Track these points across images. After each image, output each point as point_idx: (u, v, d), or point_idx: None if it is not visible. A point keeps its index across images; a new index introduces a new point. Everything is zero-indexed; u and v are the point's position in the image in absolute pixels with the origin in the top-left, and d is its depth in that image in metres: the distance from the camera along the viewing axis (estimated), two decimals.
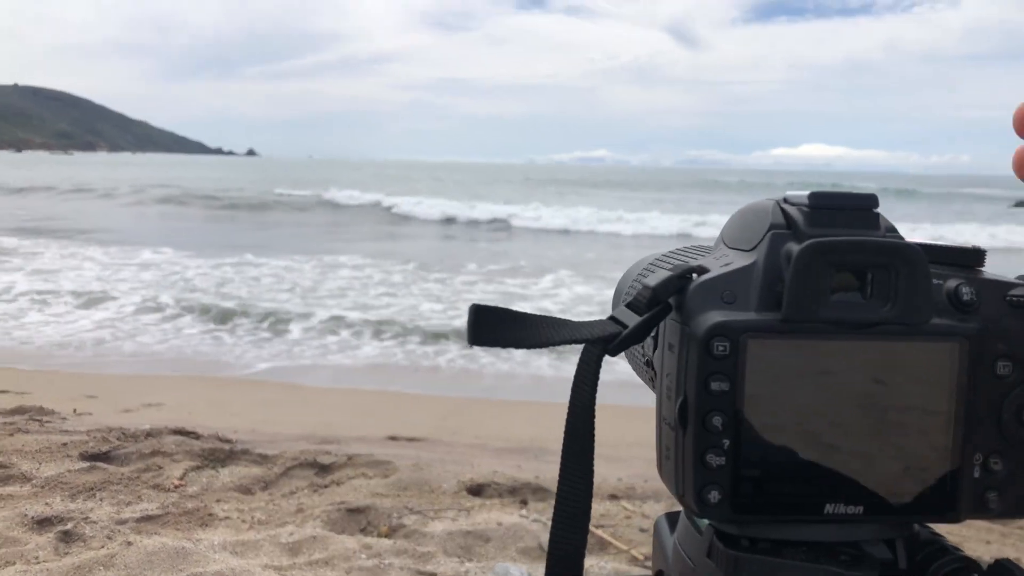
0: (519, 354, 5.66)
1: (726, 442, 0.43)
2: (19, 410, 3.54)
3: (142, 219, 19.45)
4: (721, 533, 0.47)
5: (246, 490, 2.74)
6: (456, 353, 6.00)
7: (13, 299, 7.67)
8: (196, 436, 3.14)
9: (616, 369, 0.50)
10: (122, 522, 2.30)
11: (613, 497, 2.76)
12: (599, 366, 0.47)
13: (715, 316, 0.43)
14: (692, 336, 0.43)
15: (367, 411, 4.41)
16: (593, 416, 0.47)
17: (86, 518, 2.28)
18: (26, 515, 2.27)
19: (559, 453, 0.49)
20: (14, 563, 2.00)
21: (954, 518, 0.45)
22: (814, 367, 0.43)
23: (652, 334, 0.50)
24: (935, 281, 0.44)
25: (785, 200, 0.47)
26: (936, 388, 0.44)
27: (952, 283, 0.45)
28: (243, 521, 2.43)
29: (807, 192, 0.46)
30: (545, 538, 2.33)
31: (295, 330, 6.68)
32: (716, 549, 0.46)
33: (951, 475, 0.44)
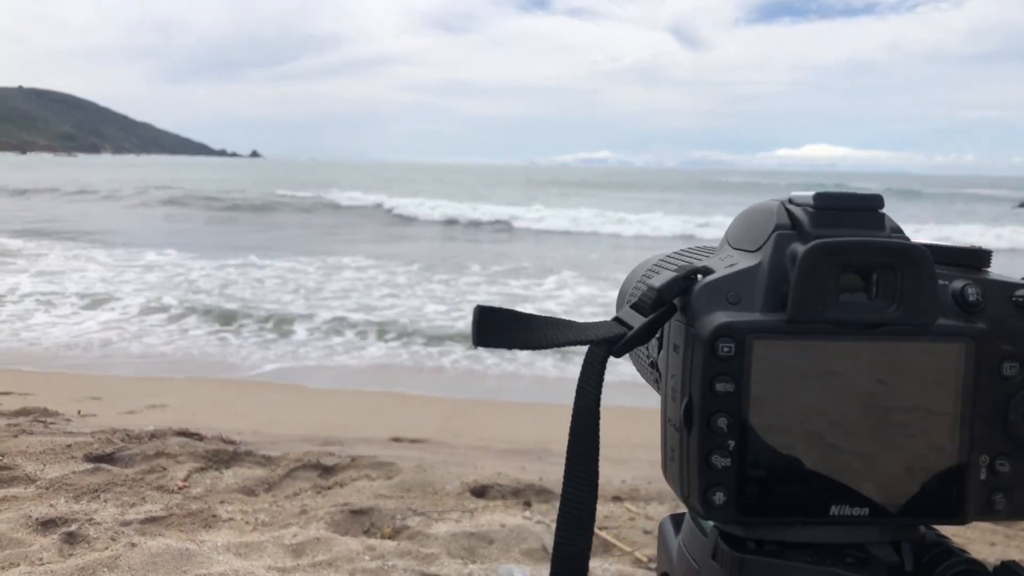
0: (523, 355, 5.66)
1: (731, 443, 0.43)
2: (23, 412, 3.55)
3: (145, 221, 19.48)
4: (726, 535, 0.46)
5: (250, 491, 2.74)
6: (460, 354, 6.01)
7: (19, 300, 7.69)
8: (200, 437, 3.14)
9: (619, 370, 0.50)
10: (126, 523, 2.30)
11: (617, 499, 2.76)
12: (604, 367, 0.47)
13: (720, 317, 0.43)
14: (697, 337, 0.43)
15: (371, 412, 4.41)
16: (598, 418, 0.47)
17: (90, 519, 2.28)
18: (30, 516, 2.28)
19: (563, 455, 0.49)
20: (18, 564, 2.00)
21: (960, 520, 0.45)
22: (820, 368, 0.43)
23: (657, 335, 0.49)
24: (941, 282, 0.44)
25: (790, 201, 0.46)
26: (942, 389, 0.43)
27: (958, 284, 0.45)
28: (247, 523, 2.43)
29: (812, 193, 0.45)
30: (549, 540, 2.33)
31: (300, 331, 6.69)
32: (721, 551, 0.46)
33: (957, 477, 0.44)
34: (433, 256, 12.62)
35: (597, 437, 0.47)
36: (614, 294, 0.71)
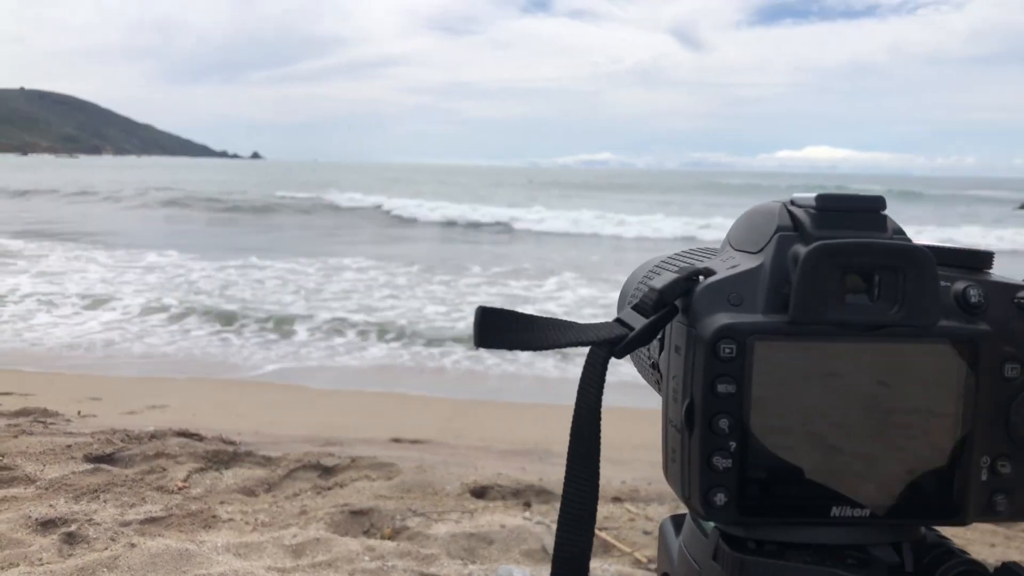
0: (524, 356, 5.66)
1: (732, 444, 0.43)
2: (23, 412, 3.55)
3: (146, 222, 19.49)
4: (727, 536, 0.46)
5: (250, 492, 2.74)
6: (461, 355, 6.01)
7: (20, 300, 7.69)
8: (200, 438, 3.14)
9: (619, 371, 0.50)
10: (126, 524, 2.30)
11: (617, 500, 2.76)
12: (605, 368, 0.47)
13: (722, 318, 0.43)
14: (699, 338, 0.43)
15: (371, 413, 4.41)
16: (599, 419, 0.47)
17: (90, 520, 2.28)
18: (30, 517, 2.28)
19: (563, 455, 0.49)
20: (18, 565, 2.00)
21: (961, 521, 0.45)
22: (821, 369, 0.43)
23: (658, 336, 0.49)
24: (943, 283, 0.44)
25: (792, 202, 0.46)
26: (943, 390, 0.43)
27: (960, 285, 0.45)
28: (247, 523, 2.43)
29: (814, 194, 0.45)
30: (548, 540, 2.33)
31: (301, 332, 6.69)
32: (722, 552, 0.46)
33: (958, 478, 0.44)
34: (433, 257, 12.62)
35: (598, 438, 0.47)
36: (615, 295, 0.71)
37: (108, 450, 2.93)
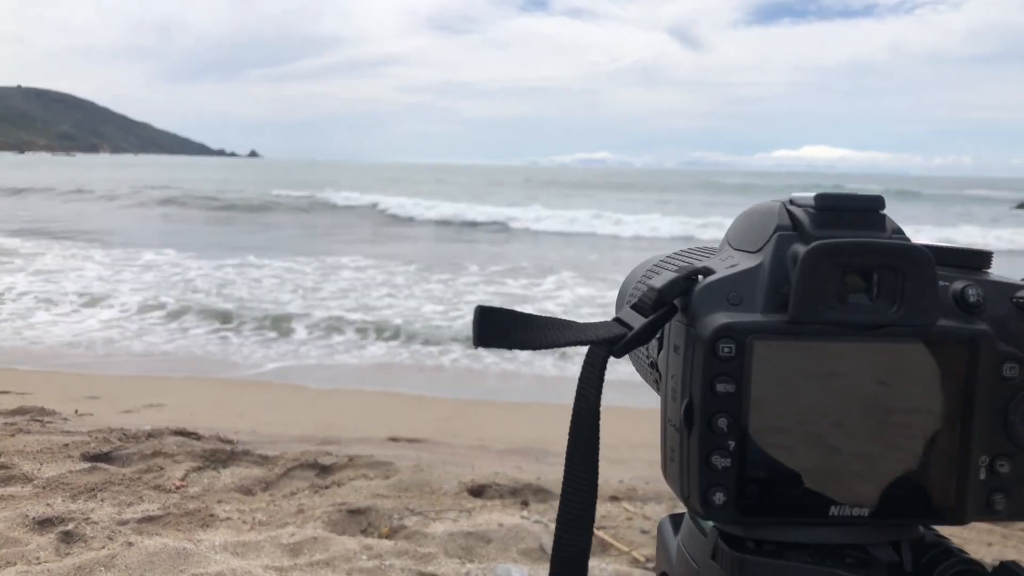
0: (523, 355, 5.67)
1: (731, 444, 0.43)
2: (20, 411, 3.54)
3: (143, 221, 19.47)
4: (726, 535, 0.46)
5: (247, 491, 2.74)
6: (460, 353, 6.01)
7: (16, 299, 7.68)
8: (197, 437, 3.14)
9: (618, 371, 0.50)
10: (123, 523, 2.30)
11: (614, 499, 2.76)
12: (604, 368, 0.47)
13: (721, 318, 0.43)
14: (698, 338, 0.43)
15: (368, 412, 4.40)
16: (598, 418, 0.47)
17: (87, 519, 2.28)
18: (27, 515, 2.27)
19: (561, 455, 0.49)
20: (15, 563, 2.00)
21: (960, 520, 0.45)
22: (820, 369, 0.43)
23: (657, 336, 0.49)
24: (942, 283, 0.44)
25: (791, 202, 0.46)
26: (942, 390, 0.43)
27: (959, 285, 0.45)
28: (244, 522, 2.43)
29: (813, 194, 0.46)
30: (546, 539, 2.33)
31: (299, 331, 6.69)
32: (721, 551, 0.46)
33: (957, 477, 0.44)
34: (431, 257, 12.62)
35: (597, 437, 0.47)
36: (613, 295, 0.71)
37: (105, 449, 2.93)
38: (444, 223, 20.21)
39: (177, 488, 2.68)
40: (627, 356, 0.51)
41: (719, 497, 0.43)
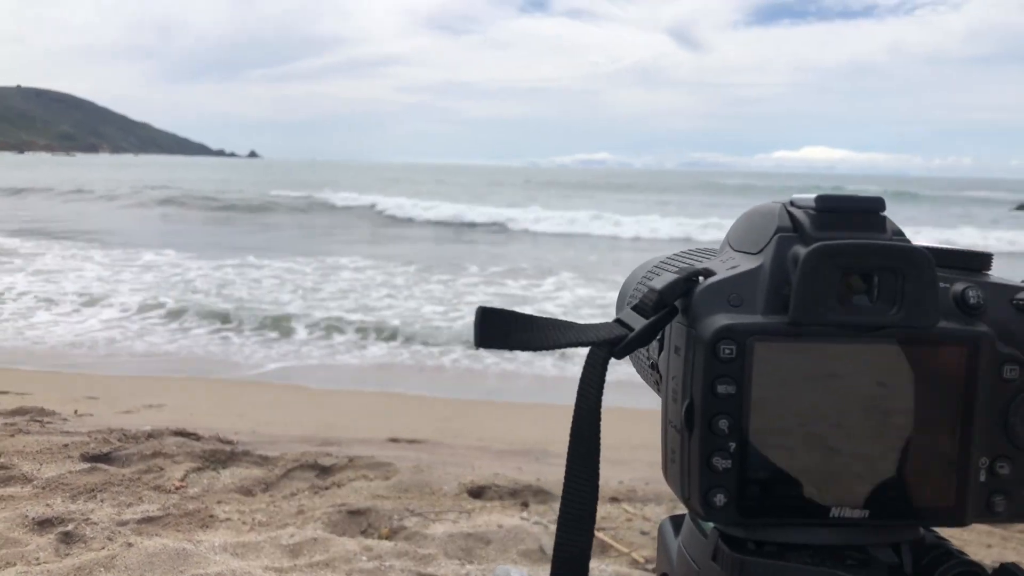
0: (523, 355, 5.67)
1: (732, 445, 0.43)
2: (20, 411, 3.54)
3: (142, 221, 19.47)
4: (726, 536, 0.47)
5: (247, 491, 2.73)
6: (460, 354, 6.01)
7: (16, 298, 7.68)
8: (197, 437, 3.13)
9: (616, 371, 0.50)
10: (123, 523, 2.30)
11: (614, 500, 2.76)
12: (605, 369, 0.47)
13: (722, 319, 0.43)
14: (699, 339, 0.43)
15: (368, 413, 4.40)
16: (599, 419, 0.47)
17: (87, 519, 2.28)
18: (27, 516, 2.27)
19: (560, 455, 0.49)
20: (15, 564, 2.00)
21: (960, 522, 0.45)
22: (821, 370, 0.43)
23: (658, 337, 0.50)
24: (942, 284, 0.44)
25: (792, 203, 0.47)
26: (943, 392, 0.43)
27: (959, 286, 0.45)
28: (244, 523, 2.43)
29: (813, 195, 0.46)
30: (546, 540, 2.33)
31: (299, 332, 6.69)
32: (721, 552, 0.46)
33: (957, 479, 0.44)
34: (431, 257, 12.62)
35: (598, 438, 0.47)
36: (613, 296, 0.71)
37: (105, 449, 2.93)
38: (443, 224, 20.21)
39: (177, 489, 2.68)
40: (627, 357, 0.52)
41: (720, 498, 0.43)
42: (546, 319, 0.49)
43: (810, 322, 0.42)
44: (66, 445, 2.92)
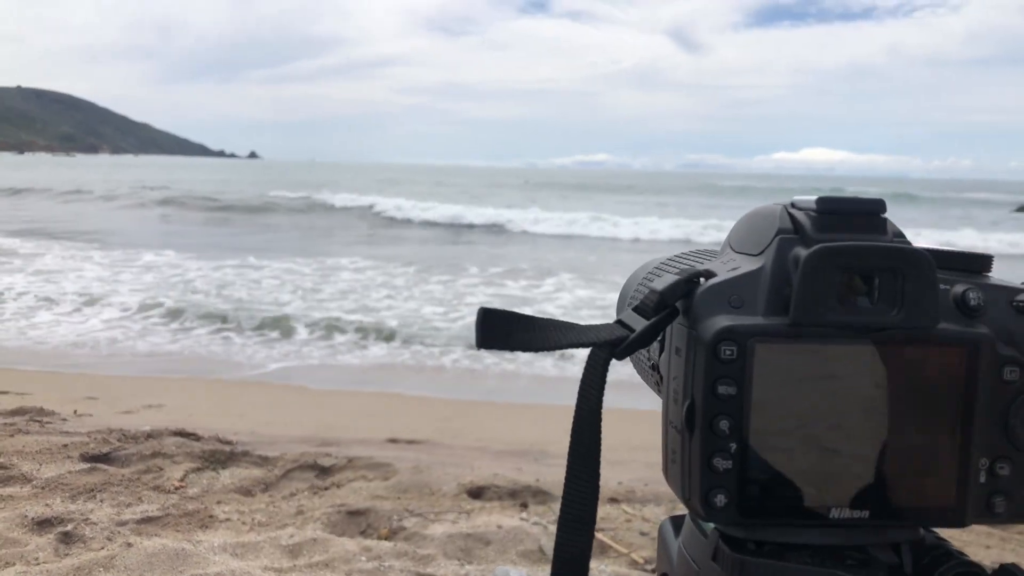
0: (523, 355, 5.67)
1: (733, 446, 0.43)
2: (19, 411, 3.54)
3: (142, 221, 19.46)
4: (727, 537, 0.47)
5: (246, 492, 2.73)
6: (461, 354, 6.02)
7: (16, 298, 7.68)
8: (196, 438, 3.13)
9: (616, 372, 0.50)
10: (122, 523, 2.30)
11: (613, 500, 2.76)
12: (606, 370, 0.47)
13: (723, 320, 0.43)
14: (700, 340, 0.43)
15: (368, 413, 4.40)
16: (600, 420, 0.47)
17: (86, 519, 2.28)
18: (26, 516, 2.27)
19: (560, 456, 0.49)
20: (14, 564, 2.00)
21: (960, 523, 0.45)
22: (821, 371, 0.43)
23: (659, 338, 0.50)
24: (942, 286, 0.44)
25: (793, 205, 0.47)
26: (943, 393, 0.44)
27: (959, 288, 0.45)
28: (243, 523, 2.43)
29: (814, 197, 0.46)
30: (545, 541, 2.33)
31: (299, 332, 6.69)
32: (722, 553, 0.46)
33: (957, 480, 0.44)
34: (430, 258, 12.62)
35: (599, 439, 0.48)
36: (612, 297, 0.71)
37: (105, 449, 2.93)
38: (443, 225, 20.21)
39: (176, 489, 2.68)
40: (628, 358, 0.52)
41: (720, 499, 0.43)
42: (547, 320, 0.49)
43: (811, 323, 0.42)
44: (65, 445, 2.92)
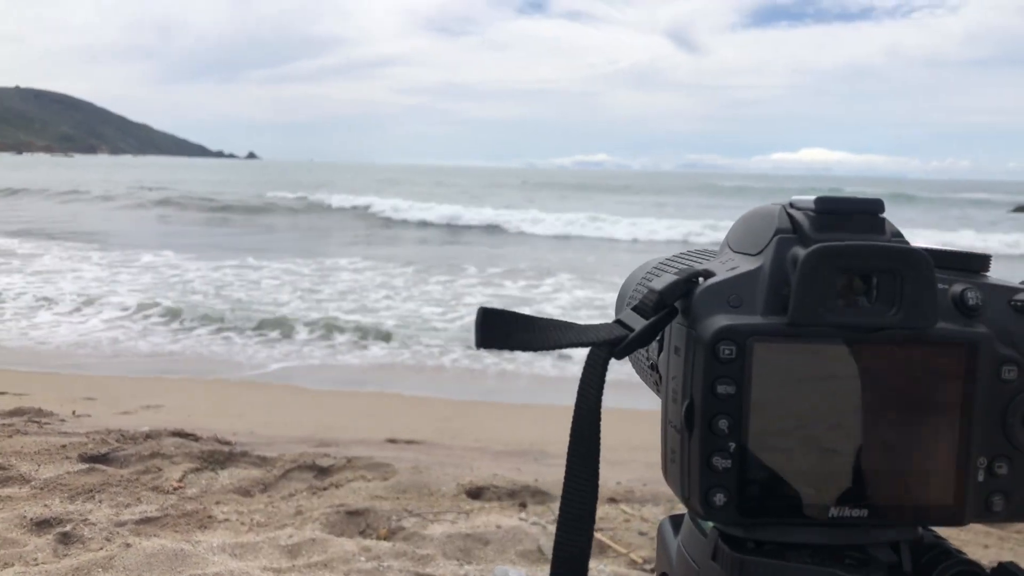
0: (523, 355, 5.68)
1: (732, 445, 0.43)
2: (18, 412, 3.54)
3: (141, 222, 19.46)
4: (726, 536, 0.47)
5: (245, 492, 2.73)
6: (460, 354, 6.02)
7: (15, 298, 7.68)
8: (195, 438, 3.13)
9: (615, 371, 0.50)
10: (121, 524, 2.30)
11: (612, 500, 2.76)
12: (606, 369, 0.47)
13: (721, 320, 0.43)
14: (699, 340, 0.43)
15: (366, 413, 4.40)
16: (599, 419, 0.47)
17: (85, 520, 2.28)
18: (25, 517, 2.27)
19: (559, 456, 0.49)
20: (13, 565, 2.00)
21: (958, 522, 0.45)
22: (820, 371, 0.43)
23: (657, 338, 0.50)
24: (940, 286, 0.44)
25: (791, 205, 0.47)
26: (941, 392, 0.44)
27: (958, 288, 0.45)
28: (242, 523, 2.43)
29: (813, 197, 0.46)
30: (544, 541, 2.33)
31: (300, 332, 6.68)
32: (721, 552, 0.46)
33: (956, 479, 0.44)
34: (429, 259, 12.62)
35: (598, 438, 0.48)
36: (611, 297, 0.71)
37: (103, 450, 2.93)
38: (442, 225, 20.21)
39: (175, 489, 2.67)
40: (627, 358, 0.52)
41: (719, 498, 0.44)
42: (546, 320, 0.49)
43: (809, 323, 0.42)
44: (64, 446, 2.92)
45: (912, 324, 0.43)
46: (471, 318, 0.46)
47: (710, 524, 0.48)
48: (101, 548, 2.09)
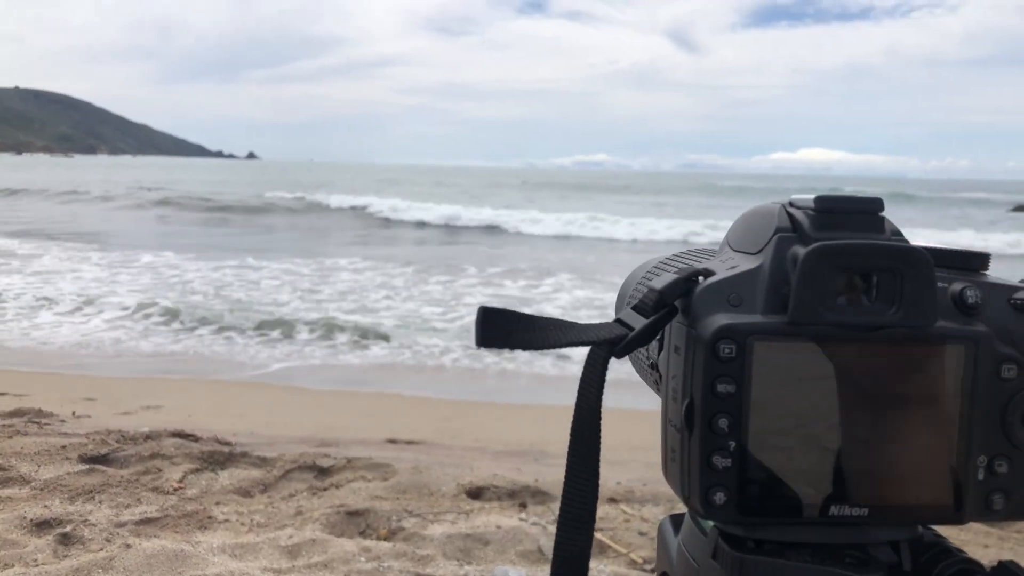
0: (523, 354, 5.68)
1: (732, 444, 0.43)
2: (18, 412, 3.54)
3: (140, 222, 19.46)
4: (726, 535, 0.47)
5: (245, 493, 2.73)
6: (460, 354, 6.02)
7: (15, 298, 7.68)
8: (195, 439, 3.13)
9: (615, 371, 0.50)
10: (121, 524, 2.30)
11: (612, 500, 2.76)
12: (606, 368, 0.47)
13: (721, 319, 0.43)
14: (699, 338, 0.43)
15: (366, 414, 4.40)
16: (599, 418, 0.47)
17: (85, 520, 2.28)
18: (25, 517, 2.27)
19: (559, 456, 0.49)
20: (13, 565, 2.00)
21: (958, 520, 0.45)
22: (820, 370, 0.43)
23: (657, 337, 0.50)
24: (940, 284, 0.44)
25: (791, 204, 0.47)
26: (941, 391, 0.44)
27: (957, 286, 0.45)
28: (242, 524, 2.43)
29: (812, 196, 0.46)
30: (544, 541, 2.33)
31: (301, 332, 6.69)
32: (721, 551, 0.46)
33: (955, 477, 0.44)
34: (429, 259, 12.62)
35: (599, 438, 0.48)
36: (611, 297, 0.71)
37: (103, 451, 2.93)
38: (442, 225, 20.21)
39: (175, 490, 2.67)
40: (627, 357, 0.52)
41: (720, 497, 0.44)
42: (547, 319, 0.49)
43: (809, 322, 0.42)
44: (64, 446, 2.92)
45: (912, 323, 0.43)
46: (471, 318, 0.46)
47: (710, 523, 0.48)
48: (101, 549, 2.09)
